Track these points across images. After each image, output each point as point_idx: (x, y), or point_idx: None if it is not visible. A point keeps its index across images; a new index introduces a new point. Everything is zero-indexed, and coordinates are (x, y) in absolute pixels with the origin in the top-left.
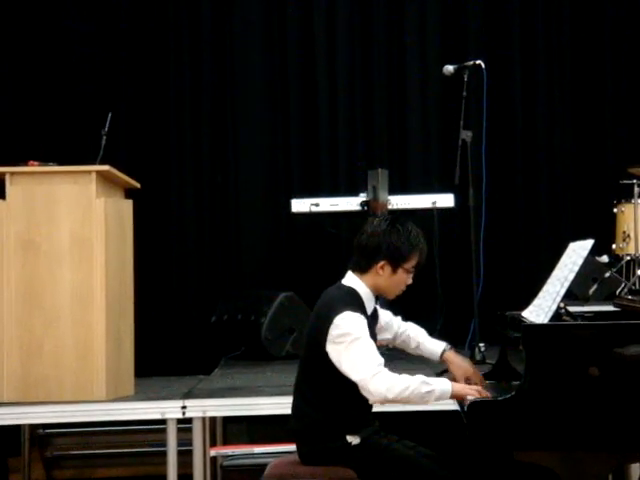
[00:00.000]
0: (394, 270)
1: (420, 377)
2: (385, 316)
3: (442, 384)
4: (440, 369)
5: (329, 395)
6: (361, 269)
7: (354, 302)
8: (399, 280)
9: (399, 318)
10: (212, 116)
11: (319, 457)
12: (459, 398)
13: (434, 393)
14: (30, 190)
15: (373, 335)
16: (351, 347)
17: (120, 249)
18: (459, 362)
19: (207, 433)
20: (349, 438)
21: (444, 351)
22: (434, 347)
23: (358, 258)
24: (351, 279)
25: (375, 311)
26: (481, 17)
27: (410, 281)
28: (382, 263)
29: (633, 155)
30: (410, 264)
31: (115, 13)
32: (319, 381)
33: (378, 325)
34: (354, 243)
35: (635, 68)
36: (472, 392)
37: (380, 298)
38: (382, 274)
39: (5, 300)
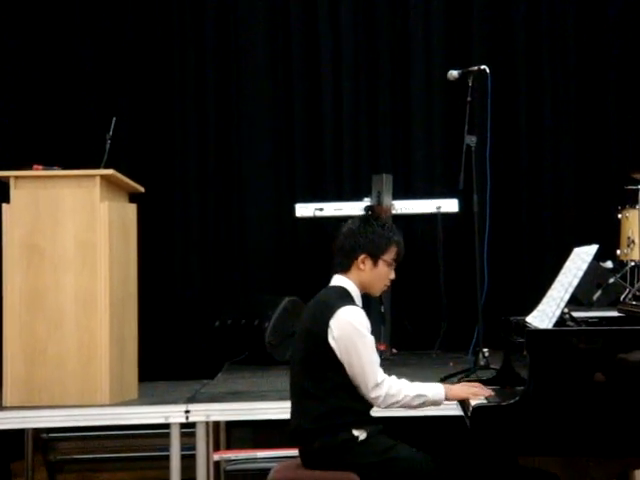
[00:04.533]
0: (375, 263)
1: (416, 389)
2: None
3: (434, 390)
4: (444, 374)
5: (334, 388)
6: (344, 268)
7: (348, 298)
8: (381, 273)
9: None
10: (216, 120)
11: (325, 454)
12: (458, 399)
13: (426, 403)
14: (34, 194)
15: None
16: (356, 347)
17: (124, 253)
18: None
19: (210, 437)
20: (356, 432)
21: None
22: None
23: (339, 259)
24: (338, 280)
25: (365, 312)
26: (486, 22)
27: (393, 275)
28: (362, 257)
29: (637, 161)
30: (389, 256)
31: (120, 19)
32: (323, 375)
33: None
34: (333, 247)
35: (639, 77)
36: (472, 390)
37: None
38: (364, 268)
39: (9, 304)
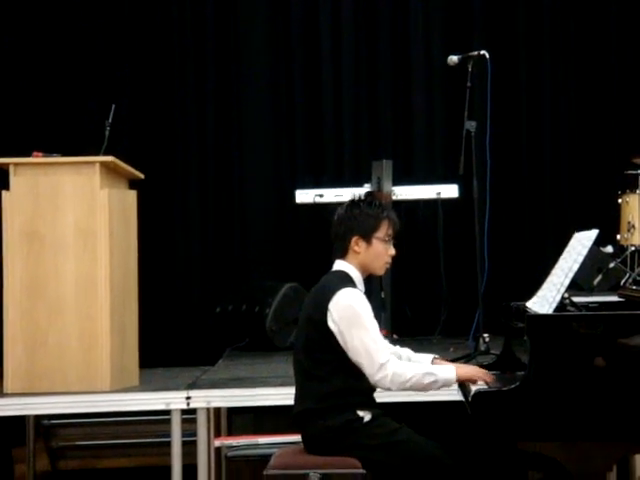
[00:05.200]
0: (368, 242)
1: (424, 368)
2: None
3: (446, 372)
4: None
5: (337, 369)
6: (341, 254)
7: (349, 282)
8: (378, 251)
9: (387, 340)
10: (216, 106)
11: (329, 435)
12: (466, 381)
13: (437, 383)
14: (34, 181)
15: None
16: (356, 330)
17: (124, 240)
18: (467, 368)
19: (211, 424)
20: (360, 413)
21: (433, 359)
22: (423, 358)
23: (336, 245)
24: (339, 264)
25: (366, 297)
26: (486, 7)
27: (393, 251)
28: (355, 239)
29: (638, 145)
30: (382, 232)
31: (119, 4)
32: (326, 358)
33: None
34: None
35: None
36: (479, 375)
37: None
38: (359, 249)
39: (9, 291)
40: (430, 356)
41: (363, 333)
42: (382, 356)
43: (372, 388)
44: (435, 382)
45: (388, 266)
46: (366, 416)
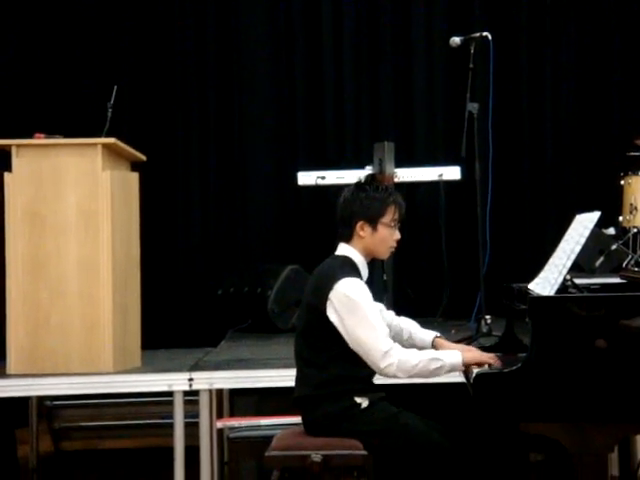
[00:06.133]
0: (374, 227)
1: (430, 352)
2: (378, 306)
3: (452, 357)
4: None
5: (335, 358)
6: (346, 238)
7: (351, 269)
8: (383, 236)
9: (392, 312)
10: (218, 88)
11: (327, 421)
12: (474, 365)
13: (444, 368)
14: (36, 163)
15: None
16: (356, 320)
17: (126, 222)
18: (450, 347)
19: (214, 405)
20: (358, 399)
21: (435, 338)
22: (425, 336)
23: (341, 229)
24: (343, 249)
25: (371, 281)
26: None
27: (398, 236)
28: (360, 223)
29: None
30: (388, 218)
31: None
32: (324, 345)
33: None
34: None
35: None
36: (485, 359)
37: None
38: (364, 235)
39: (12, 273)
40: (433, 333)
41: (364, 323)
42: (384, 344)
43: (371, 374)
44: (442, 367)
45: (393, 250)
46: (364, 402)
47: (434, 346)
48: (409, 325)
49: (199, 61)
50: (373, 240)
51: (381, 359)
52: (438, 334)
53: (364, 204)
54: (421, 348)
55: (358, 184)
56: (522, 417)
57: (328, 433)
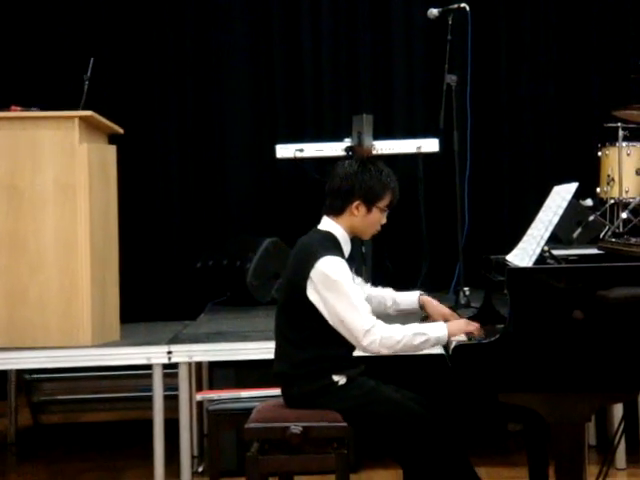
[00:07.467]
0: (369, 209)
1: (413, 327)
2: (356, 280)
3: (437, 330)
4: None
5: (313, 336)
6: (336, 212)
7: (333, 246)
8: (374, 219)
9: (368, 285)
10: (196, 61)
11: (305, 399)
12: (459, 335)
13: (429, 342)
14: (13, 135)
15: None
16: (337, 299)
17: (104, 195)
18: (436, 304)
19: (193, 378)
20: (335, 377)
21: (420, 297)
22: (410, 296)
23: (332, 201)
24: (327, 223)
25: (351, 255)
26: None
27: (384, 220)
28: (357, 203)
29: (617, 98)
30: (384, 203)
31: None
32: (302, 324)
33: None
34: (326, 187)
35: (621, 12)
36: (471, 328)
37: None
38: (357, 214)
39: None
40: (416, 293)
41: (345, 301)
42: (366, 322)
43: (350, 350)
44: (427, 341)
45: (376, 233)
46: (341, 380)
47: (421, 306)
48: (389, 292)
49: (177, 33)
50: (363, 221)
51: (363, 337)
52: (421, 292)
53: (367, 184)
54: (408, 312)
55: (363, 161)
56: (501, 388)
57: (308, 406)
